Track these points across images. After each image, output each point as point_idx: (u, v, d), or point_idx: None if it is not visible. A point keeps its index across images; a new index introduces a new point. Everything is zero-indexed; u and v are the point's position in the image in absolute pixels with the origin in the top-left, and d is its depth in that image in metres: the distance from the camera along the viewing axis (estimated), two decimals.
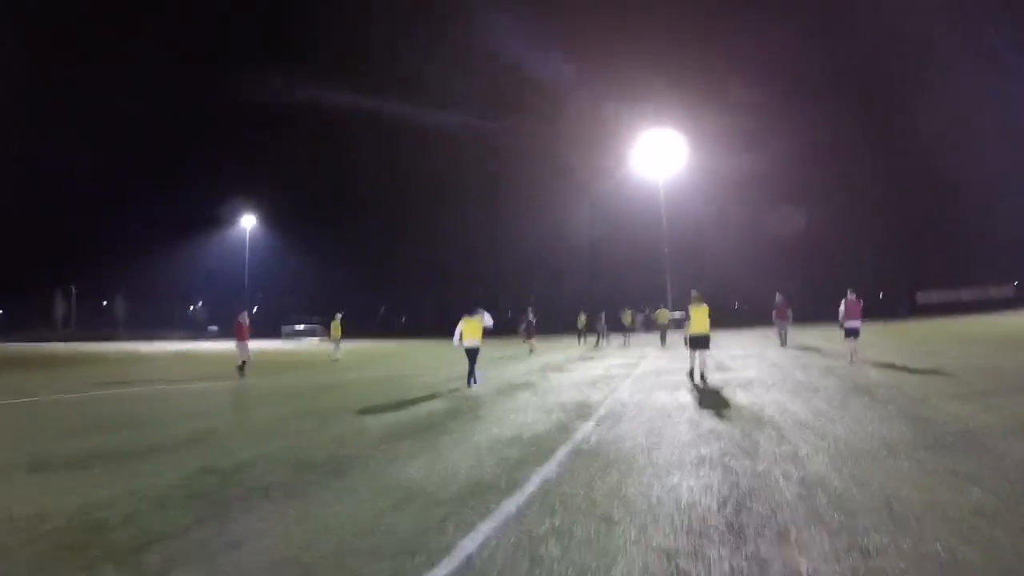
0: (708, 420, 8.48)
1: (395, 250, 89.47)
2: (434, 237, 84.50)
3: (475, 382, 13.90)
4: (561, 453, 6.69)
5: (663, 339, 31.63)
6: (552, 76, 70.61)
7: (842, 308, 17.16)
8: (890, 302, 52.13)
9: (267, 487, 5.60)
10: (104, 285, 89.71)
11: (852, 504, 4.68)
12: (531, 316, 30.29)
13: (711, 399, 10.59)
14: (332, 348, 27.19)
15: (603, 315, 34.92)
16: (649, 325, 37.28)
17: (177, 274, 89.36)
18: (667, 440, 7.19)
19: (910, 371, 13.57)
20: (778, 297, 24.31)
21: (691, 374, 13.77)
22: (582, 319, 36.02)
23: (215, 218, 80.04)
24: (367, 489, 5.47)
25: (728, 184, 60.85)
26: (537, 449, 6.94)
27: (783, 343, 23.32)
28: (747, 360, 18.01)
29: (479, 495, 5.20)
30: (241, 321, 19.04)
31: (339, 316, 27.52)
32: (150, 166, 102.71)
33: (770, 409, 9.13)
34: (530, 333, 29.24)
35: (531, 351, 26.72)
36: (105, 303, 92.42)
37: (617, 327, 35.57)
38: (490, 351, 24.47)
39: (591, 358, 22.27)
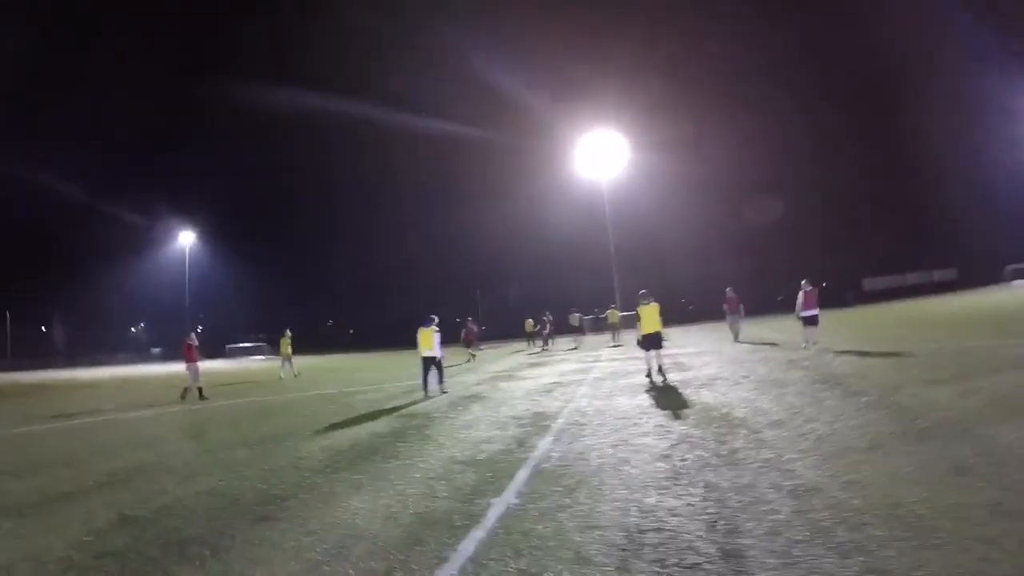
0: (677, 425, 7.94)
1: (335, 262, 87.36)
2: (375, 247, 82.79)
3: (445, 391, 14.40)
4: (521, 475, 6.01)
5: (614, 338, 31.30)
6: (498, 79, 70.00)
7: (800, 298, 17.42)
8: (837, 290, 52.82)
9: (186, 540, 4.79)
10: (39, 309, 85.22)
11: (856, 515, 4.17)
12: (471, 324, 29.71)
13: (676, 401, 10.06)
14: (282, 366, 25.81)
15: (547, 317, 34.10)
16: (599, 326, 36.90)
17: (115, 295, 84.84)
18: (637, 452, 6.59)
19: (874, 358, 13.41)
20: (729, 291, 23.64)
21: (649, 374, 13.47)
22: (529, 324, 35.26)
23: (152, 236, 77.26)
24: (300, 536, 4.70)
25: (673, 185, 61.35)
26: (494, 472, 6.25)
27: (736, 338, 22.91)
28: (704, 357, 17.64)
29: (431, 534, 4.51)
30: (190, 342, 18.02)
31: (288, 333, 26.29)
32: (82, 181, 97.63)
33: (740, 409, 8.65)
34: (469, 342, 28.60)
35: (469, 360, 26.09)
36: (43, 328, 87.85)
37: (564, 330, 35.36)
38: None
39: (542, 363, 21.61)
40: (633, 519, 4.44)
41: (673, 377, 13.14)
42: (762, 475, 5.25)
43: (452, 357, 27.77)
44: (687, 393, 10.70)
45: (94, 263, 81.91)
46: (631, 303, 26.09)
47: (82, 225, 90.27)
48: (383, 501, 5.46)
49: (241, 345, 75.72)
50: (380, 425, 10.34)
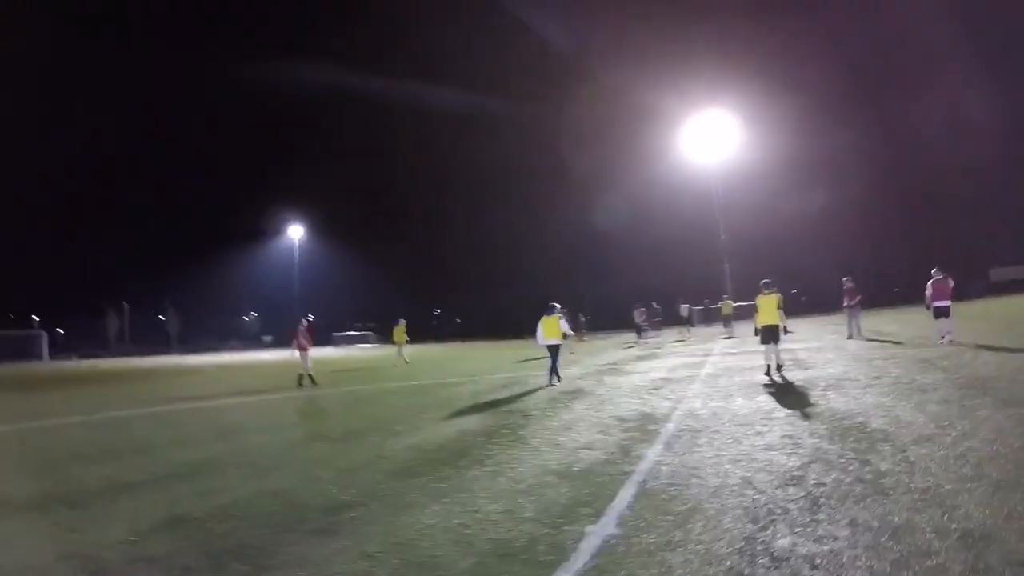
0: (807, 437, 7.02)
1: (441, 251, 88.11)
2: (480, 236, 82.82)
3: (557, 380, 14.37)
4: (624, 494, 5.31)
5: (726, 330, 29.96)
6: (593, 58, 68.41)
7: (929, 289, 16.70)
8: (962, 281, 48.93)
9: (229, 551, 4.44)
10: (155, 299, 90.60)
11: None
12: (580, 316, 29.12)
13: (802, 405, 9.09)
14: (396, 353, 27.04)
15: (642, 309, 32.94)
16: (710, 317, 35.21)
17: (228, 285, 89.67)
18: (762, 469, 5.77)
19: (1021, 357, 11.82)
20: (846, 281, 21.29)
21: (768, 371, 12.64)
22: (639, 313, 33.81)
23: (262, 227, 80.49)
24: (355, 559, 4.22)
25: (787, 168, 58.18)
26: (592, 489, 5.57)
27: (852, 334, 20.67)
28: (826, 353, 16.34)
29: (505, 571, 3.90)
30: (302, 329, 18.54)
31: (402, 321, 27.44)
32: (191, 174, 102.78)
33: (878, 418, 7.63)
34: (578, 332, 27.90)
35: (572, 352, 24.96)
36: (160, 317, 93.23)
37: (671, 320, 33.99)
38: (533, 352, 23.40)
39: (650, 357, 20.75)
40: (763, 567, 3.68)
41: (795, 376, 12.13)
42: (920, 512, 4.34)
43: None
44: (813, 396, 9.70)
45: (208, 254, 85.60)
46: (744, 293, 24.84)
47: (195, 214, 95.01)
48: (458, 519, 4.92)
49: (348, 333, 77.81)
50: (473, 421, 9.93)
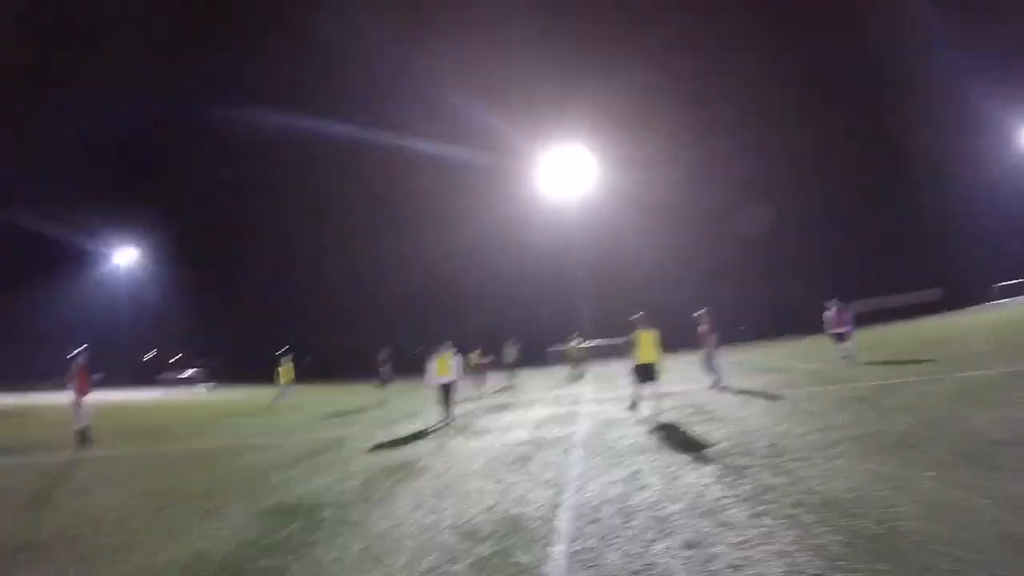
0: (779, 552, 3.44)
1: (287, 286, 79.08)
2: (323, 271, 75.02)
3: (453, 418, 14.25)
4: None
5: (578, 374, 26.47)
6: (455, 92, 65.30)
7: (830, 316, 19.41)
8: (816, 315, 49.44)
9: None
10: None
11: None
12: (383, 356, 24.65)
13: (758, 490, 5.62)
14: (279, 395, 23.33)
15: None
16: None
17: (51, 316, 76.59)
18: None
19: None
20: (701, 317, 16.65)
21: (634, 405, 12.68)
22: (506, 353, 28.67)
23: (92, 254, 70.44)
24: None
25: (646, 204, 56.93)
26: None
27: (709, 372, 16.35)
28: (726, 397, 13.32)
29: None
30: (77, 368, 13.80)
31: (289, 357, 24.27)
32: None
33: (870, 509, 4.30)
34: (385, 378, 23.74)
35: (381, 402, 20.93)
36: None
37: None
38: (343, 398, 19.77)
39: (508, 406, 16.99)
40: None
41: (710, 435, 8.81)
42: None
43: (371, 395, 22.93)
44: (760, 473, 6.29)
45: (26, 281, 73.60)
46: (602, 330, 21.76)
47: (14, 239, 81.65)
48: None
49: (176, 376, 67.76)
50: (226, 535, 5.78)
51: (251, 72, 75.02)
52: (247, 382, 52.95)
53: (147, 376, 65.23)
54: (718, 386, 15.30)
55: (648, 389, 12.52)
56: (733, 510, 5.10)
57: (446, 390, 14.55)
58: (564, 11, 68.74)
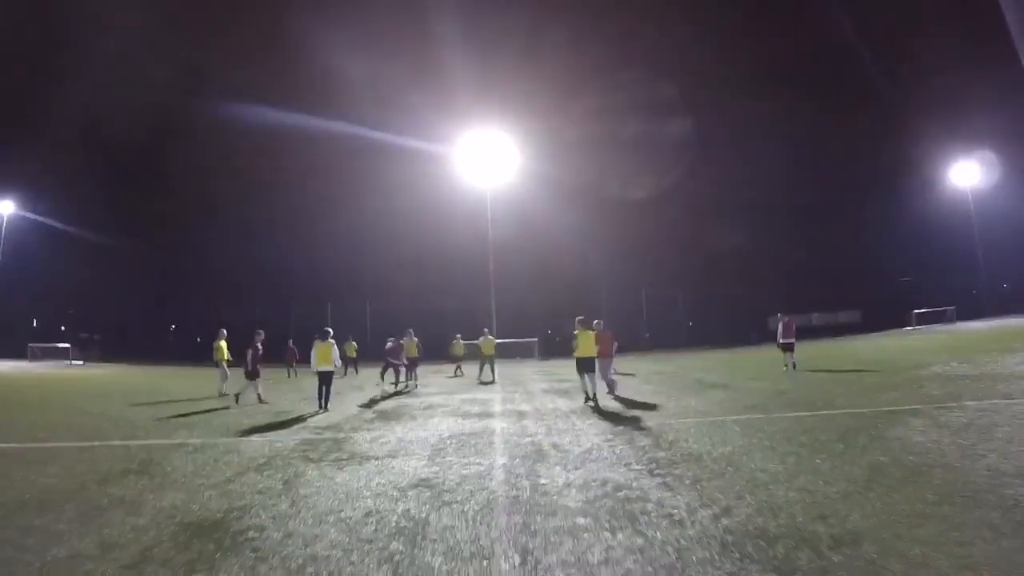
0: None
1: (176, 261, 71.17)
2: (214, 247, 67.84)
3: (326, 408, 14.02)
4: None
5: (487, 374, 22.70)
6: (368, 66, 60.85)
7: (780, 328, 20.66)
8: (740, 329, 48.07)
9: None
10: None
11: None
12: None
13: None
14: (219, 379, 18.86)
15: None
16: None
17: None
18: None
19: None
20: (598, 324, 15.37)
21: (591, 397, 13.70)
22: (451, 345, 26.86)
23: None
24: None
25: (568, 196, 54.21)
26: None
27: (604, 389, 15.00)
28: (668, 412, 10.31)
29: None
30: None
31: (224, 333, 19.46)
32: None
33: None
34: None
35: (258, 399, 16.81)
36: None
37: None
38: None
39: (402, 412, 13.58)
40: None
41: (687, 474, 5.82)
42: None
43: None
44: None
45: None
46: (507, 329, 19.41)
47: None
48: None
49: (51, 345, 58.85)
50: None
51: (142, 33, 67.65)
52: (129, 361, 47.67)
53: (18, 345, 57.61)
54: (613, 392, 15.09)
55: (589, 376, 13.86)
56: None
57: (325, 378, 14.39)
58: None
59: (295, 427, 11.67)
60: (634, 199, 53.51)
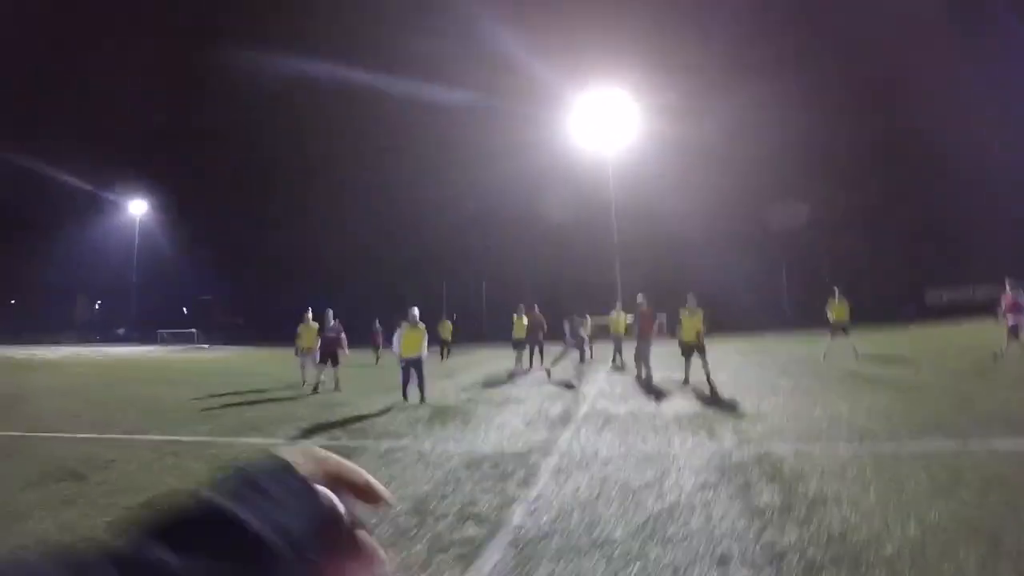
0: None
1: (296, 243, 71.55)
2: (330, 227, 67.22)
3: (423, 399, 12.63)
4: None
5: (615, 359, 19.66)
6: (480, 29, 58.22)
7: (1007, 301, 15.35)
8: (894, 301, 42.08)
9: None
10: None
11: None
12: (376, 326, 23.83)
13: None
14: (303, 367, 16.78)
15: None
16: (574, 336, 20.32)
17: (57, 268, 72.33)
18: None
19: None
20: (640, 299, 15.90)
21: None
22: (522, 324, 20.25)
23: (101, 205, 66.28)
24: None
25: (689, 163, 49.75)
26: None
27: (640, 372, 15.11)
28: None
29: None
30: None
31: (309, 316, 17.00)
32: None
33: None
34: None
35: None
36: None
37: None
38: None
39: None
40: None
41: None
42: None
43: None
44: None
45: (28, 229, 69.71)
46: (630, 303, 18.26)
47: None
48: None
49: (178, 331, 62.95)
50: None
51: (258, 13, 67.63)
52: (248, 343, 48.99)
53: (151, 332, 61.51)
54: (644, 378, 14.75)
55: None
56: None
57: (411, 367, 12.74)
58: None
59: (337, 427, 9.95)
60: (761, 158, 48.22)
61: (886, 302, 40.51)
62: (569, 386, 14.75)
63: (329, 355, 15.54)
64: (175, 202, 66.80)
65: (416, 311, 12.96)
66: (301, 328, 16.72)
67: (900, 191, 47.98)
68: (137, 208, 65.71)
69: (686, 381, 13.41)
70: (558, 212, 50.60)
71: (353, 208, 61.50)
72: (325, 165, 65.18)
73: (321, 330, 16.08)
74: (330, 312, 15.97)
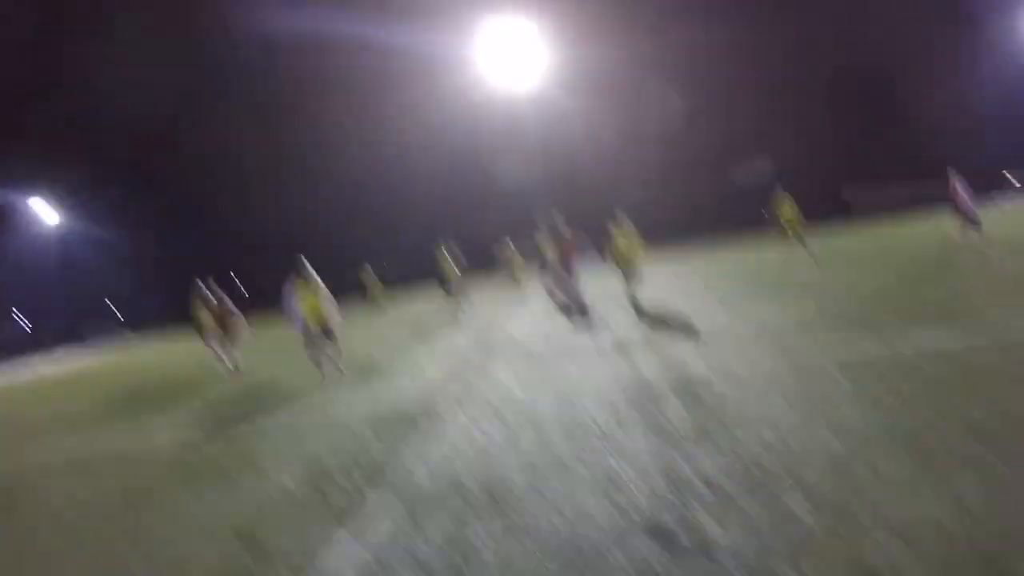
0: None
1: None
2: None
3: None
4: None
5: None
6: None
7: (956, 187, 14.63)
8: (812, 199, 42.28)
9: None
10: None
11: None
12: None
13: None
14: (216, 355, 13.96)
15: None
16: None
17: None
18: None
19: None
20: (559, 226, 15.39)
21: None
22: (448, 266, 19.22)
23: None
24: None
25: (597, 83, 48.76)
26: None
27: (573, 306, 14.82)
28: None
29: None
30: None
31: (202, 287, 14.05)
32: None
33: None
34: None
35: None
36: None
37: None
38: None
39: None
40: None
41: None
42: None
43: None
44: None
45: None
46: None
47: None
48: None
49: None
50: None
51: None
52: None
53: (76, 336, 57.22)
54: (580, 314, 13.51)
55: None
56: None
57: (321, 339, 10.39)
58: None
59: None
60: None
61: (801, 200, 40.95)
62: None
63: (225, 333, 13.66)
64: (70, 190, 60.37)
65: (306, 263, 10.33)
66: (195, 305, 13.95)
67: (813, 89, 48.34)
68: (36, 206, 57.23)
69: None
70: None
71: (253, 164, 57.02)
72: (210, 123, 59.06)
73: (211, 304, 13.77)
74: (210, 281, 14.03)
